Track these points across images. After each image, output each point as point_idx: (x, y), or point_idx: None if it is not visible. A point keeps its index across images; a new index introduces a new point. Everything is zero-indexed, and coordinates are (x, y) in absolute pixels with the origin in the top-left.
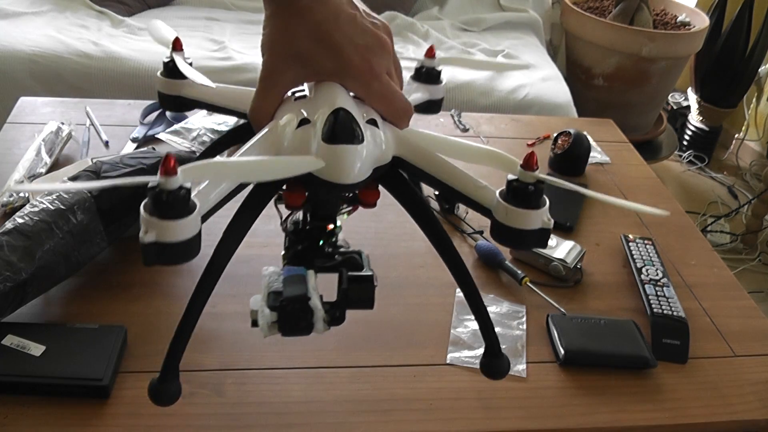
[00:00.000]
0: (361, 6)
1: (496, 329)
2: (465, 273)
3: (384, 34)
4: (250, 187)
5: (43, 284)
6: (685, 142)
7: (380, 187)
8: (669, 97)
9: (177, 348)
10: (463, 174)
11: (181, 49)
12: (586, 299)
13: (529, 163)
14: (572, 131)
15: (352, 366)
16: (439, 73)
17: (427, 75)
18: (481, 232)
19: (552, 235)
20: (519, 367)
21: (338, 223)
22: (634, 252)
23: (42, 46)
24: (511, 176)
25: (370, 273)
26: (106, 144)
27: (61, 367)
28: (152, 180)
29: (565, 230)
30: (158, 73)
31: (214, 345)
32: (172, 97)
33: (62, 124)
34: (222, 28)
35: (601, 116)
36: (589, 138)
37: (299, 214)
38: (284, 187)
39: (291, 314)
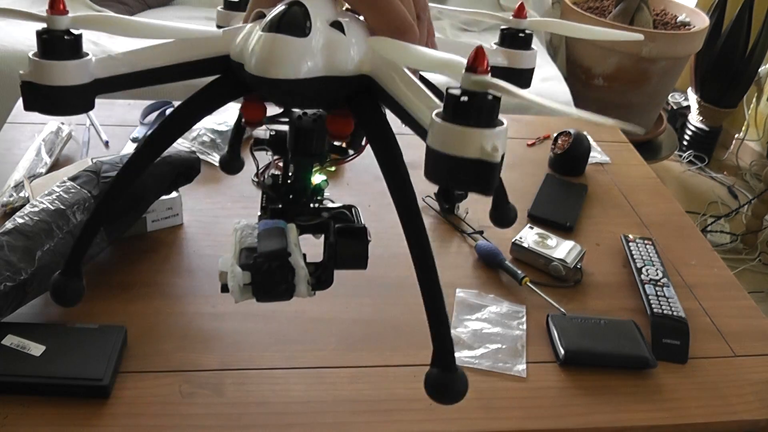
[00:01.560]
0: None
1: (496, 329)
2: (422, 243)
3: None
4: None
5: (43, 284)
6: (685, 142)
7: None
8: (669, 97)
9: (81, 240)
10: (417, 88)
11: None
12: (586, 299)
13: (475, 62)
14: (572, 131)
15: (352, 366)
16: (528, 36)
17: (511, 38)
18: (481, 232)
19: (552, 235)
20: (519, 367)
21: (323, 177)
22: (634, 252)
23: None
24: (451, 88)
25: (362, 226)
26: (106, 144)
27: (61, 367)
28: (40, 16)
29: (565, 230)
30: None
31: (214, 345)
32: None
33: (62, 124)
34: None
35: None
36: (589, 138)
37: (275, 169)
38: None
39: (267, 273)
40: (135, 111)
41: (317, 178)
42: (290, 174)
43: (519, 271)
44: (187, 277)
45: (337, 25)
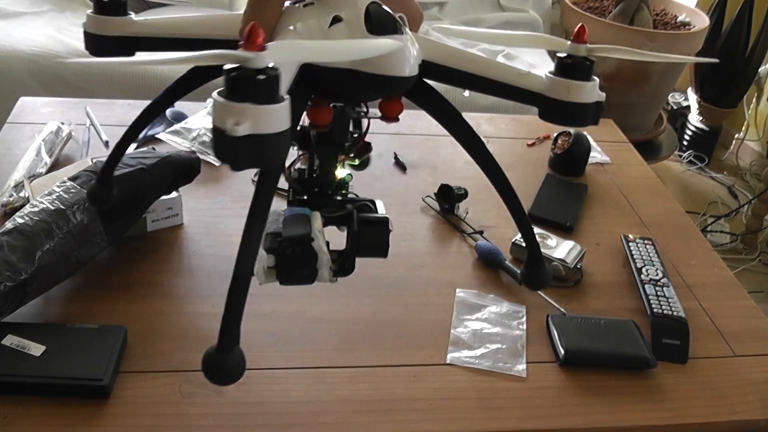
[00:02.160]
0: None
1: (496, 329)
2: (503, 178)
3: None
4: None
5: (43, 284)
6: (685, 142)
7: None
8: (669, 97)
9: (232, 311)
10: (501, 65)
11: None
12: (586, 299)
13: (580, 36)
14: (572, 131)
15: (352, 366)
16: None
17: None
18: (481, 232)
19: (552, 235)
20: (519, 367)
21: (347, 171)
22: (634, 252)
23: (42, 46)
24: (560, 54)
25: (385, 216)
26: (106, 144)
27: (61, 367)
28: (236, 56)
29: (565, 230)
30: (88, 12)
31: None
32: (110, 39)
33: (62, 124)
34: None
35: (601, 116)
36: (589, 138)
37: (300, 163)
38: (309, 104)
39: (291, 258)
40: (135, 111)
41: (341, 172)
42: (315, 168)
43: (519, 271)
44: (187, 277)
45: (402, 19)
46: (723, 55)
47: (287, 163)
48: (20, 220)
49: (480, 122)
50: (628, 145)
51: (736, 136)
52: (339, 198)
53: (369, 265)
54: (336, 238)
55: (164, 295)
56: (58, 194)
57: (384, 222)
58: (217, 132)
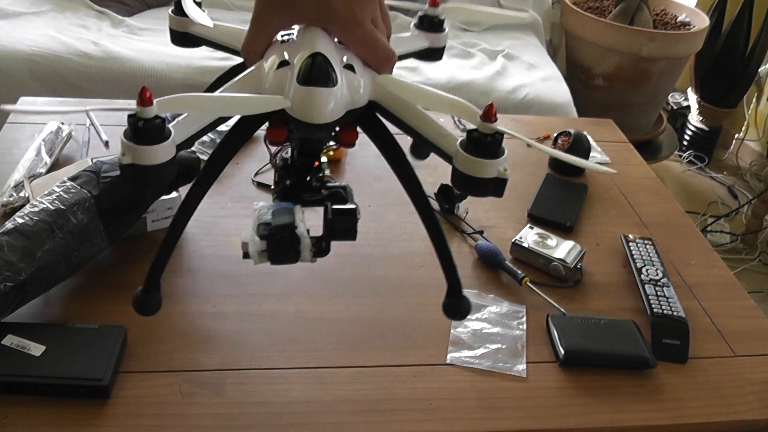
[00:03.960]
0: None
1: (496, 329)
2: (432, 216)
3: None
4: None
5: (43, 284)
6: (685, 142)
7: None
8: (669, 97)
9: (160, 259)
10: (430, 121)
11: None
12: (586, 299)
13: (488, 114)
14: (572, 131)
15: (352, 366)
16: (441, 21)
17: (429, 23)
18: (481, 232)
19: (552, 235)
20: (519, 367)
21: (323, 159)
22: (634, 252)
23: (42, 46)
24: (471, 126)
25: (353, 206)
26: (106, 144)
27: (61, 367)
28: (131, 109)
29: (565, 230)
30: (169, 11)
31: (214, 345)
32: (182, 34)
33: (62, 124)
34: None
35: (601, 116)
36: (589, 138)
37: (288, 151)
38: (268, 124)
39: (279, 242)
40: None
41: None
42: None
43: (519, 271)
44: (187, 277)
45: (349, 67)
46: (723, 55)
47: (274, 151)
48: (20, 220)
49: None
50: (628, 145)
51: (736, 136)
52: (317, 184)
53: (369, 266)
54: (315, 227)
55: (164, 295)
56: (58, 194)
57: (352, 212)
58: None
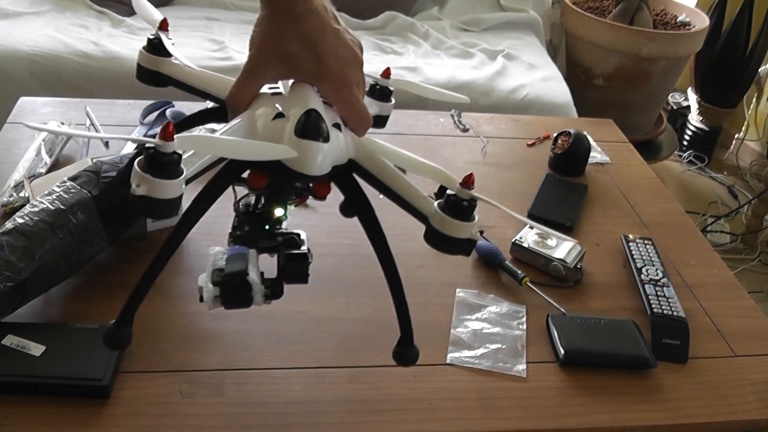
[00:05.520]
0: (342, 23)
1: (496, 329)
2: (393, 269)
3: (358, 50)
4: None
5: (43, 284)
6: (685, 142)
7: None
8: (669, 97)
9: (134, 298)
10: (407, 183)
11: (167, 29)
12: (586, 299)
13: (467, 182)
14: (572, 131)
15: (352, 366)
16: (390, 92)
17: (380, 92)
18: (481, 232)
19: (552, 235)
20: (519, 367)
21: (286, 210)
22: (634, 252)
23: (42, 46)
24: (450, 191)
25: (304, 251)
26: (106, 144)
27: (61, 367)
28: (151, 142)
29: (565, 230)
30: (141, 47)
31: (214, 345)
32: (151, 72)
33: (62, 124)
34: (222, 28)
35: (601, 116)
36: (589, 138)
37: (252, 198)
38: (248, 170)
39: (231, 288)
40: (135, 111)
41: (278, 212)
42: (258, 207)
43: (519, 271)
44: (187, 277)
45: (337, 126)
46: (723, 55)
47: (238, 197)
48: (20, 220)
49: (480, 122)
50: (628, 145)
51: (736, 136)
52: (273, 231)
53: (369, 266)
54: (268, 267)
55: (164, 295)
56: (58, 194)
57: (304, 257)
58: (130, 187)
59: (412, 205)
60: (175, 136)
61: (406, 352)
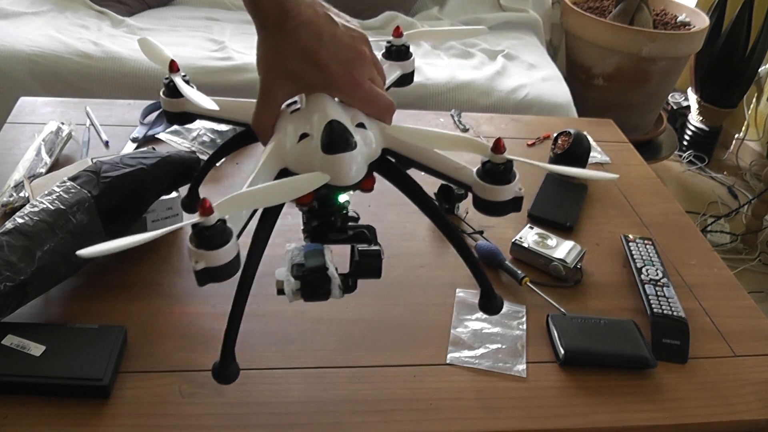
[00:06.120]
0: (339, 18)
1: (496, 329)
2: (457, 237)
3: (361, 44)
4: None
5: (43, 284)
6: (685, 142)
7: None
8: (669, 97)
9: (228, 338)
10: (443, 158)
11: (178, 70)
12: (586, 299)
13: (497, 147)
14: (572, 131)
15: (352, 366)
16: (407, 48)
17: (397, 52)
18: (481, 232)
19: (552, 235)
20: (519, 367)
21: (345, 198)
22: (634, 252)
23: (42, 46)
24: (483, 158)
25: (377, 248)
26: (106, 144)
27: (61, 367)
28: (193, 220)
29: (565, 230)
30: (161, 93)
31: (214, 345)
32: (178, 114)
33: (62, 124)
34: (222, 28)
35: (601, 116)
36: (589, 138)
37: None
38: None
39: (312, 282)
40: (135, 111)
41: (341, 198)
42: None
43: (519, 271)
44: (187, 277)
45: (361, 125)
46: (723, 55)
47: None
48: (20, 220)
49: (480, 122)
50: (628, 145)
51: (736, 136)
52: (342, 223)
53: None
54: (341, 263)
55: (164, 295)
56: (58, 194)
57: (377, 253)
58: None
59: (454, 178)
60: (213, 206)
61: (490, 303)
